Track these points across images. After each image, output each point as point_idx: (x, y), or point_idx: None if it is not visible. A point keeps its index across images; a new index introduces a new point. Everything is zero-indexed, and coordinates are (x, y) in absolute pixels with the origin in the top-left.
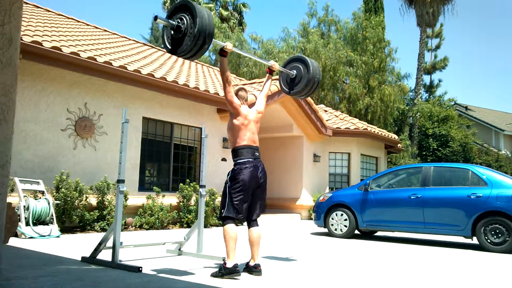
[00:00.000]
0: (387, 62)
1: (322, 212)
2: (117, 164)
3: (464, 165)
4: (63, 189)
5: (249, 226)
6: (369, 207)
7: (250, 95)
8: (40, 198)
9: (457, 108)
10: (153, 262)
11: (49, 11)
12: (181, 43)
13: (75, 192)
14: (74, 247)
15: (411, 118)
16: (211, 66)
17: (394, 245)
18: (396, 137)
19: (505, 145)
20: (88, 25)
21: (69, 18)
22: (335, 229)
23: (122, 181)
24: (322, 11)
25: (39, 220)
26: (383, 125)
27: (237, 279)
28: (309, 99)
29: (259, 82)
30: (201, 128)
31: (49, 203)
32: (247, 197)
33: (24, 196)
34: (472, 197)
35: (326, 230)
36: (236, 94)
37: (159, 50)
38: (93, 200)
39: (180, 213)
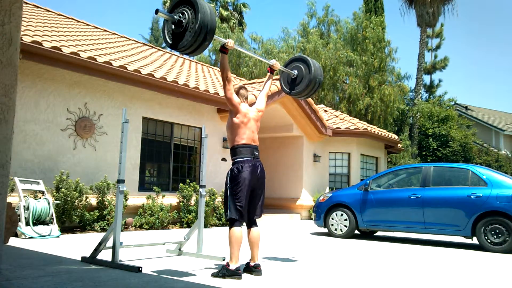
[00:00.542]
0: (387, 62)
1: (322, 212)
2: (117, 164)
3: (464, 165)
4: (63, 189)
5: (249, 226)
6: (369, 207)
7: (250, 95)
8: (40, 198)
9: (457, 108)
10: (153, 262)
11: (49, 11)
12: (182, 38)
13: (75, 192)
14: (74, 247)
15: (411, 118)
16: (211, 66)
17: (394, 245)
18: (396, 137)
19: (505, 145)
20: (88, 25)
21: (69, 18)
22: (335, 229)
23: (122, 181)
24: (322, 11)
25: (39, 220)
26: (383, 125)
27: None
28: (309, 99)
29: (259, 82)
30: (201, 128)
31: (49, 203)
32: (248, 197)
33: (24, 196)
34: (472, 197)
35: (326, 230)
36: (237, 92)
37: (159, 50)
38: (93, 200)
39: (180, 213)
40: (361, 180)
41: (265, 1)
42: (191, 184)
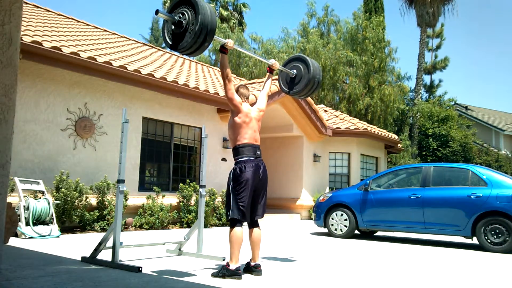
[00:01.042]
0: (387, 62)
1: (322, 212)
2: (117, 164)
3: (464, 165)
4: (63, 189)
5: (251, 226)
6: (369, 207)
7: (251, 95)
8: (40, 198)
9: (457, 108)
10: (153, 262)
11: (49, 11)
12: (182, 39)
13: (75, 192)
14: (74, 247)
15: (411, 118)
16: (211, 66)
17: (394, 245)
18: (396, 137)
19: (505, 145)
20: (88, 25)
21: (69, 18)
22: (335, 229)
23: (122, 181)
24: (322, 11)
25: (39, 220)
26: (383, 125)
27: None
28: (309, 99)
29: (259, 82)
30: (201, 128)
31: (49, 203)
32: (251, 197)
33: (24, 196)
34: (472, 197)
35: (326, 230)
36: (237, 91)
37: (159, 50)
38: (93, 200)
39: (180, 213)
40: (361, 180)
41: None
42: (191, 184)
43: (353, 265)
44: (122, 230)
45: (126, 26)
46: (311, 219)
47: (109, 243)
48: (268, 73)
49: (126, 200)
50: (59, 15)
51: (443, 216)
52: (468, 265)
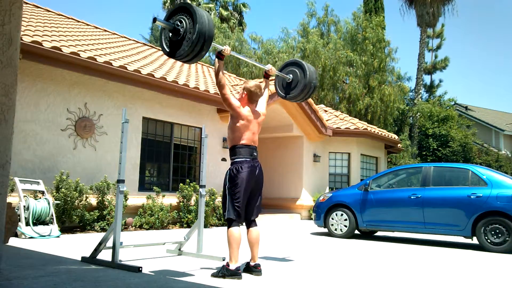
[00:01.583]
0: (387, 62)
1: (322, 212)
2: (117, 164)
3: (464, 165)
4: (63, 189)
5: (248, 226)
6: (369, 207)
7: None
8: (40, 198)
9: (457, 108)
10: (153, 262)
11: (49, 11)
12: (179, 47)
13: (75, 192)
14: (74, 247)
15: (411, 118)
16: (211, 66)
17: (394, 245)
18: (396, 137)
19: (505, 145)
20: (88, 25)
21: (69, 18)
22: (335, 229)
23: (122, 181)
24: (321, 11)
25: (39, 220)
26: (383, 125)
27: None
28: (309, 99)
29: (259, 82)
30: (201, 128)
31: (49, 203)
32: (246, 198)
33: (24, 196)
34: (472, 197)
35: (326, 230)
36: (250, 92)
37: (159, 50)
38: (93, 200)
39: (180, 213)
40: (361, 180)
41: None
42: (191, 184)
43: (353, 265)
44: (122, 230)
45: (126, 26)
46: (311, 219)
47: (109, 243)
48: (264, 78)
49: (126, 200)
50: (59, 15)
51: (443, 216)
52: (468, 265)
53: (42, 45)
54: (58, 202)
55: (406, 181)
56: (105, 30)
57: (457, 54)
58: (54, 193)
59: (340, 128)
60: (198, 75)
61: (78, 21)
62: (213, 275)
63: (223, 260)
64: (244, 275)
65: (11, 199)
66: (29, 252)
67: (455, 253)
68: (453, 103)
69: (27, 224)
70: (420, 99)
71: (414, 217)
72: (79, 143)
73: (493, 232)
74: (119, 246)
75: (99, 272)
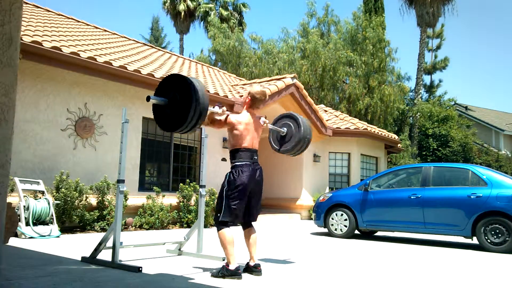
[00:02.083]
0: (387, 62)
1: (322, 212)
2: (117, 164)
3: (464, 165)
4: (63, 189)
5: (246, 228)
6: (369, 207)
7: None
8: (40, 198)
9: (457, 108)
10: (153, 262)
11: (49, 11)
12: (173, 118)
13: (75, 192)
14: (74, 247)
15: (411, 118)
16: (211, 66)
17: (394, 245)
18: (396, 137)
19: (505, 145)
20: (88, 25)
21: (69, 18)
22: (335, 229)
23: (122, 181)
24: (322, 11)
25: (39, 220)
26: (383, 125)
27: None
28: (309, 99)
29: (259, 82)
30: (201, 128)
31: (49, 203)
32: (245, 201)
33: (24, 196)
34: (472, 197)
35: (326, 230)
36: (253, 98)
37: (159, 50)
38: (93, 200)
39: (180, 213)
40: (361, 180)
41: (265, 1)
42: (191, 184)
43: (353, 265)
44: (122, 230)
45: (126, 26)
46: (311, 219)
47: (109, 243)
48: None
49: (126, 200)
50: (59, 15)
51: (443, 216)
52: (468, 265)
53: (42, 45)
54: (58, 202)
55: (406, 181)
56: (105, 30)
57: (457, 54)
58: (54, 193)
59: (340, 128)
60: (198, 75)
61: (78, 21)
62: (213, 275)
63: (223, 260)
64: (244, 275)
65: (11, 199)
66: (29, 252)
67: (455, 253)
68: (453, 103)
69: (27, 224)
70: (420, 99)
71: (414, 217)
72: (79, 143)
73: (493, 232)
74: (119, 246)
75: (99, 272)
